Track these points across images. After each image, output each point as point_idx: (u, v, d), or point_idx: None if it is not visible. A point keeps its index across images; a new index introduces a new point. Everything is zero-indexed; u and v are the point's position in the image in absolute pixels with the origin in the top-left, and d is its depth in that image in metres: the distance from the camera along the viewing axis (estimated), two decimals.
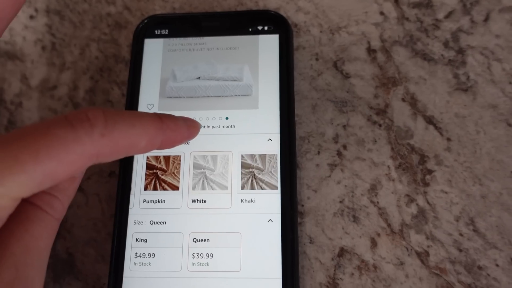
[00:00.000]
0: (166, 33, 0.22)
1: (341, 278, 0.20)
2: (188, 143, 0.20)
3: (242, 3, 0.24)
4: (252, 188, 0.19)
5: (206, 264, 0.18)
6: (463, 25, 0.23)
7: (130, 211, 0.19)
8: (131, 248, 0.19)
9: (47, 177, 0.12)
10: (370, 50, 0.23)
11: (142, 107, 0.21)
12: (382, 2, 0.24)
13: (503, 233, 0.20)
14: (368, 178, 0.21)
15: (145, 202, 0.20)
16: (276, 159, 0.20)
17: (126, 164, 0.20)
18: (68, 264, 0.21)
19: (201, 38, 0.22)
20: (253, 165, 0.20)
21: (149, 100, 0.21)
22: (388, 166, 0.21)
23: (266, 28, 0.22)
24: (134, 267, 0.19)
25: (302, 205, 0.21)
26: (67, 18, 0.25)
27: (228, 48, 0.22)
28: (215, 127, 0.20)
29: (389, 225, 0.20)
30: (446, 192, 0.20)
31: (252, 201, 0.19)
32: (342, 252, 0.20)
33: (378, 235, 0.20)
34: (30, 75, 0.24)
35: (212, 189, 0.20)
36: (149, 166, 0.20)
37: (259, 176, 0.20)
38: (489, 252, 0.19)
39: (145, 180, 0.20)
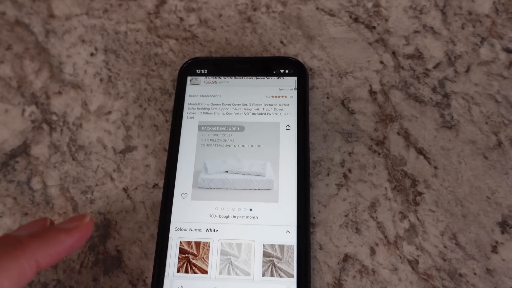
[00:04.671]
0: (205, 72, 0.27)
1: (345, 280, 0.23)
2: (217, 230, 0.23)
3: (266, 50, 0.29)
4: (272, 275, 0.22)
5: None
6: (448, 75, 0.28)
7: None
8: None
9: None
10: (372, 92, 0.28)
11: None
12: (382, 53, 0.29)
13: (480, 247, 0.24)
14: (368, 197, 0.25)
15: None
16: (293, 250, 0.22)
17: (161, 247, 0.22)
18: (117, 259, 0.24)
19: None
20: (273, 254, 0.22)
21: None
22: (385, 188, 0.25)
23: (287, 71, 0.27)
24: None
25: (314, 218, 0.25)
26: (122, 56, 0.30)
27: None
28: (240, 217, 0.23)
29: (385, 237, 0.24)
30: (433, 211, 0.25)
31: None
32: (346, 257, 0.24)
33: (377, 244, 0.24)
34: (89, 102, 0.29)
35: (237, 275, 0.22)
36: (181, 251, 0.22)
37: (278, 264, 0.22)
38: (469, 262, 0.23)
39: (178, 263, 0.22)
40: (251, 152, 0.25)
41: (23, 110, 0.29)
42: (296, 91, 0.26)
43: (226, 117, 0.26)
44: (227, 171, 0.24)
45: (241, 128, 0.25)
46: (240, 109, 0.26)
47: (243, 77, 0.27)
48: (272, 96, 0.26)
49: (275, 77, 0.27)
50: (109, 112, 0.28)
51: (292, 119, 0.26)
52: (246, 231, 0.23)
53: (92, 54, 0.30)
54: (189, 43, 0.30)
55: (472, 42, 0.29)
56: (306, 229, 0.23)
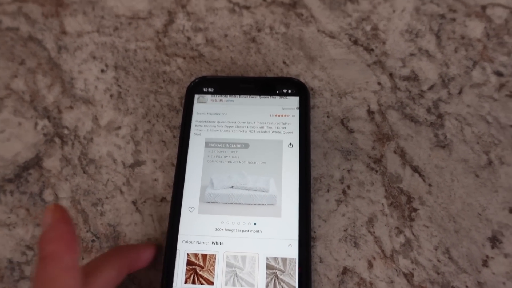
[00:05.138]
0: (212, 90, 0.29)
1: None
2: (223, 243, 0.24)
3: (270, 70, 0.31)
4: (275, 287, 0.23)
5: None
6: (442, 96, 0.30)
7: None
8: None
9: None
10: (370, 112, 0.29)
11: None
12: (380, 74, 0.30)
13: (471, 261, 0.25)
14: (366, 213, 0.26)
15: None
16: (295, 263, 0.23)
17: (169, 259, 0.24)
18: None
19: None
20: (276, 267, 0.23)
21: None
22: (382, 204, 0.27)
23: (289, 91, 0.28)
24: None
25: (314, 232, 0.26)
26: (131, 73, 0.31)
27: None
28: (245, 231, 0.24)
29: (382, 251, 0.26)
30: (427, 227, 0.26)
31: None
32: (345, 270, 0.25)
33: (374, 258, 0.25)
34: (100, 116, 0.30)
35: (241, 286, 0.23)
36: (189, 262, 0.24)
37: (281, 276, 0.23)
38: (461, 275, 0.25)
39: (185, 274, 0.23)
40: (255, 168, 0.26)
41: (36, 124, 0.30)
42: (298, 111, 0.28)
43: (232, 135, 0.27)
44: (232, 187, 0.25)
45: (246, 145, 0.27)
46: (245, 127, 0.27)
47: (248, 96, 0.28)
48: (276, 115, 0.28)
49: (279, 97, 0.28)
50: (119, 127, 0.29)
51: (294, 137, 0.27)
52: (250, 244, 0.24)
53: (102, 71, 0.31)
54: (196, 62, 0.31)
55: (465, 65, 0.30)
56: (307, 243, 0.24)
